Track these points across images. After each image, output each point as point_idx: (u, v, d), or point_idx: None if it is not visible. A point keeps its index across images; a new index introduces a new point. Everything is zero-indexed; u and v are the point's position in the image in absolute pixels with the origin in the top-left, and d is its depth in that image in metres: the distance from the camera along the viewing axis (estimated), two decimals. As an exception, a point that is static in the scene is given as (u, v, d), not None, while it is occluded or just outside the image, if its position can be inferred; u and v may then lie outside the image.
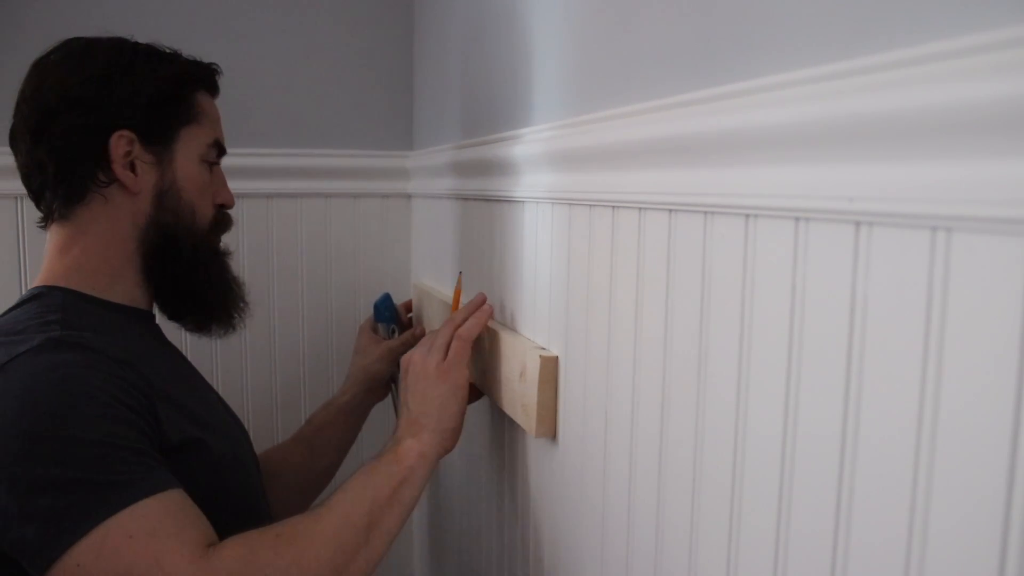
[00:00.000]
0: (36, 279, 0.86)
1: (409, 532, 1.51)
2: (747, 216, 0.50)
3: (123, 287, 0.86)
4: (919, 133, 0.36)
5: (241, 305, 0.97)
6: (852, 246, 0.41)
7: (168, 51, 0.90)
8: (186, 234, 0.88)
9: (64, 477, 0.66)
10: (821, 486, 0.44)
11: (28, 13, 1.17)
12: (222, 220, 0.95)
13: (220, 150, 0.93)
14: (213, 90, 0.94)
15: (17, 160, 0.86)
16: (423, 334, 1.21)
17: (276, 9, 1.32)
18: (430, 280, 1.30)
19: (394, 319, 1.27)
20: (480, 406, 1.03)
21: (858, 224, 0.41)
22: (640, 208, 0.62)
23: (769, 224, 0.48)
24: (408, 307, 1.34)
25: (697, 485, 0.56)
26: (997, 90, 0.32)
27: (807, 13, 0.44)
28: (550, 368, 0.79)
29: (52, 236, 0.86)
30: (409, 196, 1.43)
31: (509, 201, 0.91)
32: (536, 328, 0.85)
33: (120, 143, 0.82)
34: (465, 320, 0.90)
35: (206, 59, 0.92)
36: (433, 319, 1.18)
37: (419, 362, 0.87)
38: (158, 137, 0.86)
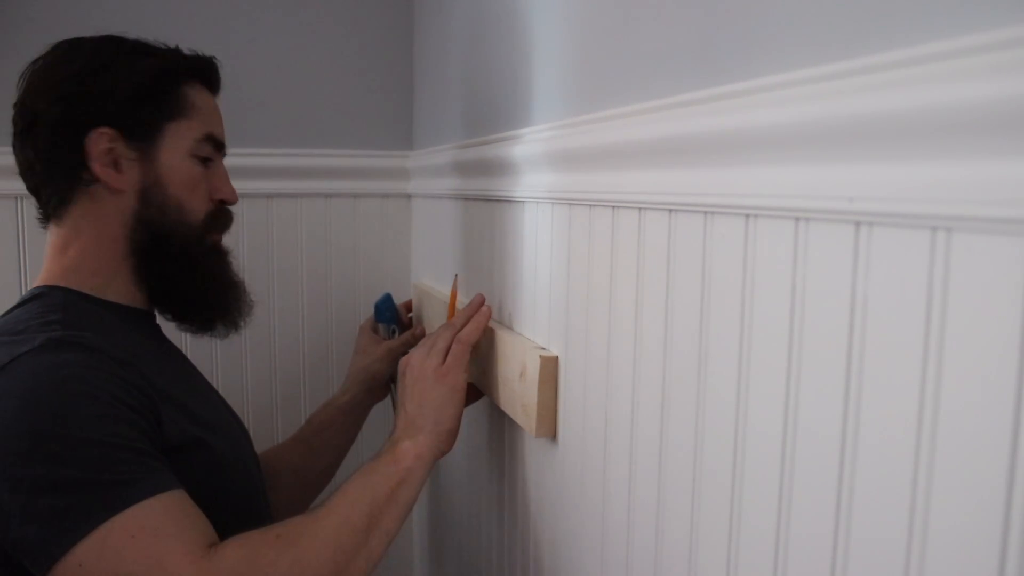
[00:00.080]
0: (37, 279, 0.86)
1: (409, 532, 1.51)
2: (747, 216, 0.50)
3: (119, 287, 0.86)
4: (919, 133, 0.36)
5: (242, 305, 0.95)
6: (852, 246, 0.41)
7: (159, 46, 0.88)
8: (174, 231, 0.86)
9: (66, 477, 0.66)
10: (821, 486, 0.44)
11: (28, 13, 1.17)
12: (219, 217, 0.92)
13: (216, 144, 0.90)
14: (209, 83, 0.92)
15: (16, 161, 0.87)
16: (423, 334, 1.21)
17: (276, 9, 1.32)
18: (430, 280, 1.30)
19: (394, 319, 1.27)
20: (480, 406, 1.03)
21: (858, 224, 0.41)
22: (640, 208, 0.62)
23: (769, 224, 0.48)
24: (408, 307, 1.34)
25: (697, 485, 0.56)
26: (997, 90, 0.32)
27: (807, 13, 0.44)
28: (550, 368, 0.79)
29: (50, 236, 0.87)
30: (409, 196, 1.43)
31: (509, 201, 0.91)
32: (536, 328, 0.85)
33: (100, 140, 0.82)
34: (465, 323, 0.90)
35: None
36: (433, 319, 1.18)
37: (417, 364, 0.87)
38: (141, 133, 0.84)
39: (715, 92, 0.50)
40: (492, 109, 0.97)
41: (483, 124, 1.01)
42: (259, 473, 0.96)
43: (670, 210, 0.58)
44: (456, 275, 1.08)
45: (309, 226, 1.38)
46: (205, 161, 0.89)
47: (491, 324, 0.93)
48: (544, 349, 0.81)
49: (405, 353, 0.94)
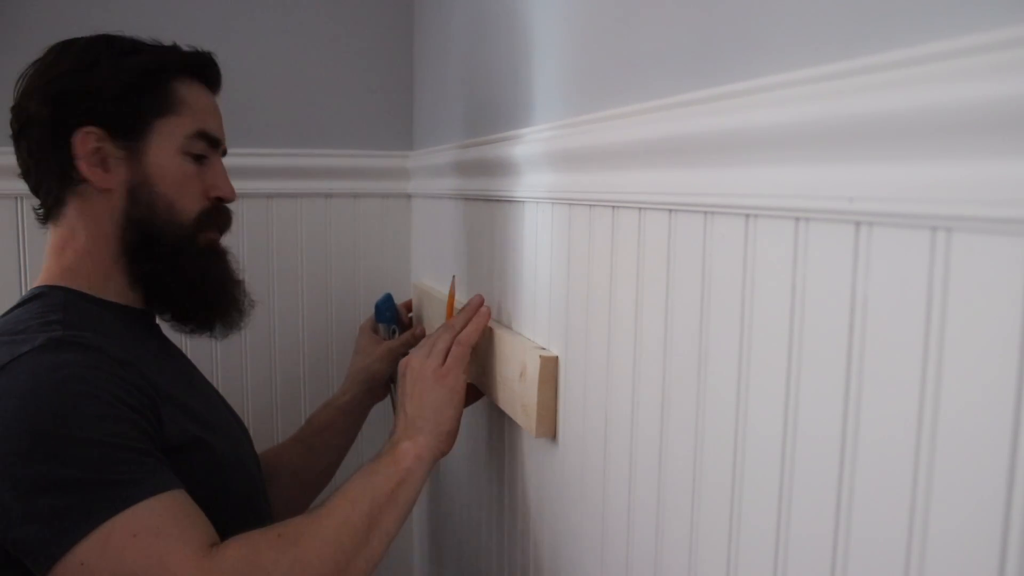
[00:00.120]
0: (37, 279, 0.86)
1: (409, 532, 1.51)
2: (747, 216, 0.50)
3: (116, 287, 0.86)
4: (919, 133, 0.36)
5: (240, 305, 0.94)
6: (852, 246, 0.41)
7: (152, 43, 0.87)
8: (164, 231, 0.85)
9: (67, 477, 0.66)
10: (821, 486, 0.44)
11: (28, 14, 1.17)
12: (214, 214, 0.90)
13: (210, 141, 0.89)
14: (204, 78, 0.90)
15: (18, 163, 0.87)
16: (423, 334, 1.21)
17: (276, 9, 1.32)
18: (430, 280, 1.30)
19: (395, 319, 1.27)
20: (480, 406, 1.03)
21: (858, 224, 0.41)
22: (640, 208, 0.62)
23: (769, 224, 0.48)
24: (408, 307, 1.34)
25: (697, 485, 0.56)
26: (997, 90, 0.32)
27: (807, 13, 0.44)
28: (550, 368, 0.79)
29: (49, 236, 0.87)
30: (409, 196, 1.43)
31: (509, 201, 0.91)
32: (536, 328, 0.85)
33: (87, 140, 0.81)
34: (464, 325, 0.90)
35: None
36: (433, 319, 1.18)
37: (417, 366, 0.87)
38: (128, 131, 0.83)
39: (715, 92, 0.50)
40: (492, 109, 0.97)
41: (483, 124, 1.01)
42: (259, 473, 0.96)
43: (670, 210, 0.58)
44: (454, 276, 1.08)
45: (309, 226, 1.38)
46: (200, 158, 0.88)
47: (491, 324, 0.93)
48: (544, 349, 0.81)
49: (405, 353, 0.94)
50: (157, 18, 1.18)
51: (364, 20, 1.37)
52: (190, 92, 0.87)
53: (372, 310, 1.29)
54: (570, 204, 0.75)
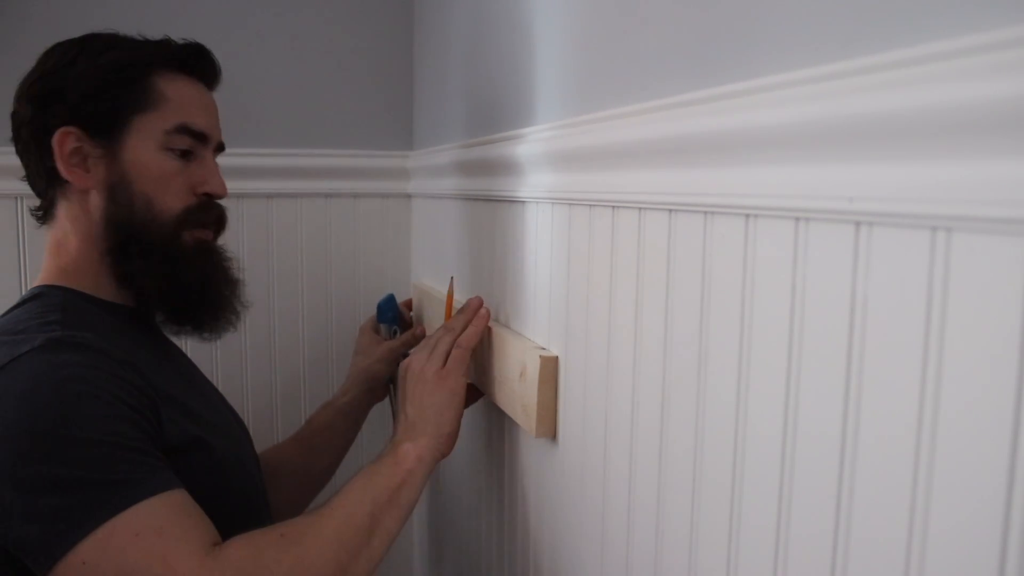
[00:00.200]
0: (36, 279, 0.86)
1: (409, 532, 1.51)
2: (747, 216, 0.50)
3: (108, 287, 0.85)
4: (919, 133, 0.36)
5: (231, 305, 0.91)
6: (852, 246, 0.41)
7: (135, 38, 0.86)
8: (145, 229, 0.83)
9: (68, 476, 0.66)
10: (821, 486, 0.44)
11: (28, 14, 1.17)
12: (201, 211, 0.87)
13: (195, 135, 0.86)
14: (192, 71, 0.88)
15: None
16: (423, 334, 1.21)
17: (276, 9, 1.32)
18: (430, 280, 1.30)
19: (397, 320, 1.27)
20: (480, 406, 1.03)
21: (858, 224, 0.41)
22: (640, 208, 0.62)
23: (769, 224, 0.48)
24: (409, 306, 1.34)
25: (697, 485, 0.56)
26: (997, 90, 0.32)
27: (807, 13, 0.44)
28: (550, 368, 0.79)
29: (46, 236, 0.87)
30: (409, 196, 1.43)
31: (509, 201, 0.91)
32: (536, 328, 0.85)
33: (65, 140, 0.81)
34: (465, 327, 0.90)
35: None
36: (433, 319, 1.18)
37: (418, 368, 0.87)
38: (104, 129, 0.81)
39: (715, 92, 0.50)
40: (491, 109, 0.97)
41: (483, 125, 1.01)
42: (259, 473, 0.96)
43: (670, 210, 0.58)
44: (452, 277, 1.08)
45: (309, 226, 1.38)
46: (186, 154, 0.85)
47: (491, 323, 0.93)
48: (544, 349, 0.81)
49: (406, 354, 0.93)
50: (157, 18, 1.18)
51: (364, 20, 1.37)
52: (171, 86, 0.85)
53: (372, 310, 1.29)
54: (570, 204, 0.75)
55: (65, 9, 1.18)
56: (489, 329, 0.93)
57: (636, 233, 0.63)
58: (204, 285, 0.88)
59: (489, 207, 0.98)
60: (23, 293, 0.86)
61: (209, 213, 0.89)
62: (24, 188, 0.88)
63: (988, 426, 0.34)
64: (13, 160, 0.87)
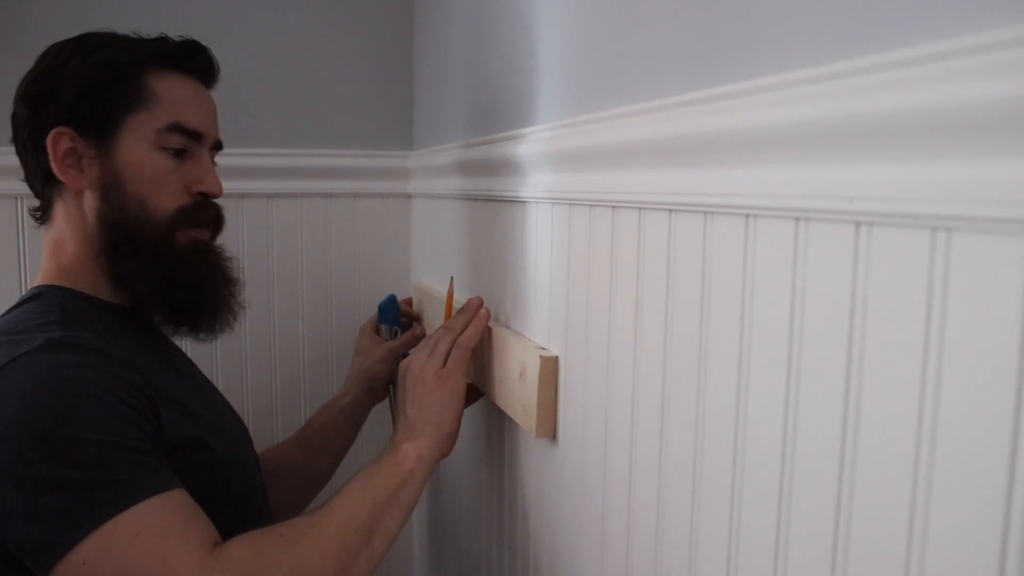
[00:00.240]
0: (35, 279, 0.86)
1: (409, 532, 1.51)
2: (747, 216, 0.50)
3: (107, 287, 0.85)
4: (919, 133, 0.36)
5: (227, 305, 0.91)
6: (852, 246, 0.41)
7: (129, 36, 0.85)
8: (138, 229, 0.82)
9: (68, 477, 0.66)
10: (821, 486, 0.44)
11: (28, 14, 1.17)
12: (197, 211, 0.86)
13: (188, 134, 0.85)
14: (187, 69, 0.87)
15: None
16: (423, 334, 1.21)
17: (276, 9, 1.32)
18: (430, 280, 1.30)
19: (397, 321, 1.26)
20: (480, 406, 1.03)
21: (858, 224, 0.41)
22: (640, 208, 0.62)
23: (769, 224, 0.48)
24: (410, 303, 1.34)
25: (697, 485, 0.56)
26: (997, 90, 0.32)
27: (807, 13, 0.44)
28: (550, 368, 0.79)
29: (45, 237, 0.87)
30: (409, 196, 1.43)
31: (508, 201, 0.91)
32: (536, 328, 0.85)
33: (59, 141, 0.81)
34: (465, 327, 0.90)
35: None
36: (433, 319, 1.18)
37: (418, 368, 0.87)
38: (96, 129, 0.81)
39: (715, 92, 0.50)
40: (491, 110, 0.97)
41: (482, 125, 1.01)
42: (259, 472, 0.96)
43: (670, 210, 0.58)
44: (452, 277, 1.08)
45: (309, 226, 1.38)
46: (180, 153, 0.85)
47: (491, 324, 0.93)
48: (544, 349, 0.81)
49: (405, 354, 0.93)
50: (157, 18, 1.18)
51: (364, 20, 1.37)
52: (164, 84, 0.84)
53: (372, 310, 1.29)
54: (570, 204, 0.75)
55: (66, 9, 1.18)
56: (489, 329, 0.93)
57: (636, 233, 0.63)
58: (199, 285, 0.87)
59: (489, 207, 0.98)
60: (23, 293, 0.86)
61: (205, 212, 0.88)
62: (24, 188, 0.88)
63: (988, 426, 0.34)
64: (13, 160, 0.87)
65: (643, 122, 0.59)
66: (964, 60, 0.33)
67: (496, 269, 0.96)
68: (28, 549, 0.66)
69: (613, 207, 0.66)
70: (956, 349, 0.35)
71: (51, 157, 0.81)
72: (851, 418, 0.42)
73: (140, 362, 0.78)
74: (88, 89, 0.81)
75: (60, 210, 0.85)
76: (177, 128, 0.84)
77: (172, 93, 0.84)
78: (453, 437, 0.86)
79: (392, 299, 1.27)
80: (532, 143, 0.80)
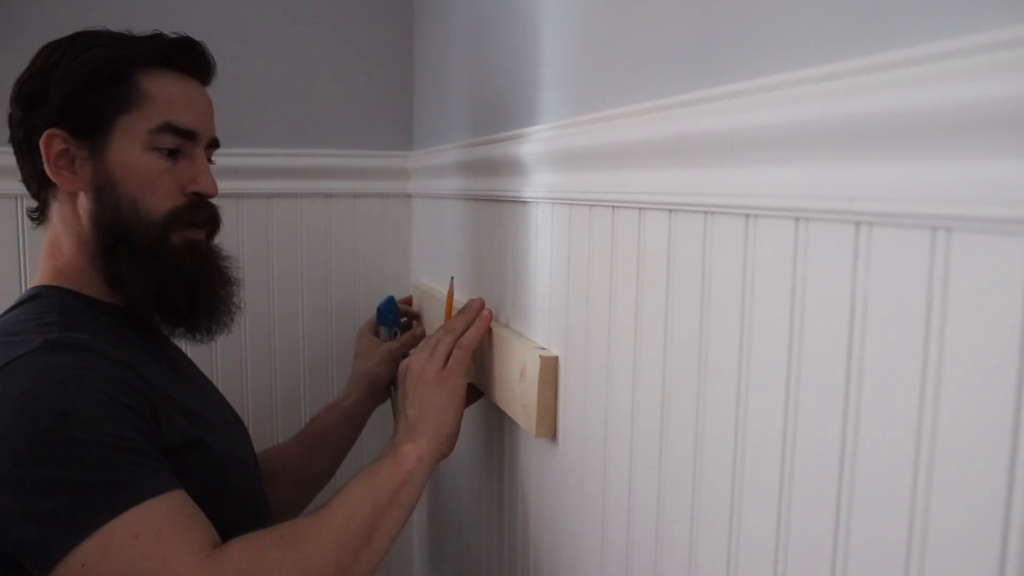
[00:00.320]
0: (33, 279, 0.86)
1: (409, 532, 1.51)
2: (747, 216, 0.50)
3: (102, 288, 0.84)
4: (919, 133, 0.36)
5: (224, 305, 0.90)
6: (852, 246, 0.41)
7: (122, 35, 0.84)
8: (132, 230, 0.81)
9: (67, 478, 0.66)
10: (821, 486, 0.44)
11: (28, 14, 1.17)
12: (191, 211, 0.85)
13: (181, 133, 0.83)
14: (181, 67, 0.85)
15: None
16: (423, 334, 1.21)
17: (276, 9, 1.32)
18: (430, 280, 1.30)
19: (397, 322, 1.26)
20: (480, 406, 1.03)
21: (858, 224, 0.41)
22: (640, 208, 0.62)
23: (769, 224, 0.48)
24: (409, 303, 1.34)
25: (697, 485, 0.56)
26: (997, 90, 0.32)
27: (807, 13, 0.44)
28: (550, 368, 0.79)
29: (43, 237, 0.87)
30: (409, 196, 1.43)
31: (508, 201, 0.91)
32: (536, 328, 0.85)
33: (52, 143, 0.80)
34: (466, 328, 0.90)
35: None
36: (433, 320, 1.18)
37: (418, 369, 0.87)
38: (88, 130, 0.80)
39: (715, 92, 0.50)
40: (490, 110, 0.97)
41: (482, 125, 1.01)
42: (258, 473, 0.96)
43: (670, 210, 0.58)
44: (452, 277, 1.08)
45: (309, 226, 1.38)
46: (173, 153, 0.83)
47: (491, 324, 0.93)
48: (544, 349, 0.81)
49: (405, 355, 0.93)
50: (156, 18, 1.18)
51: (364, 20, 1.37)
52: (155, 83, 0.83)
53: (372, 310, 1.29)
54: (570, 204, 0.75)
55: (66, 8, 1.17)
56: (489, 329, 0.93)
57: (636, 233, 0.63)
58: (195, 286, 0.86)
59: (489, 207, 0.98)
60: (22, 293, 0.86)
61: (200, 213, 0.86)
62: (24, 188, 0.88)
63: (988, 426, 0.34)
64: (13, 160, 0.87)
65: (643, 122, 0.59)
66: (964, 60, 0.33)
67: (496, 269, 0.96)
68: (27, 551, 0.66)
69: (613, 207, 0.66)
70: (956, 349, 0.35)
71: (44, 159, 0.80)
72: (851, 418, 0.42)
73: (139, 362, 0.78)
74: (78, 90, 0.80)
75: (56, 211, 0.85)
76: (169, 128, 0.83)
77: (164, 92, 0.83)
78: (453, 438, 0.86)
79: (391, 301, 1.27)
80: (532, 143, 0.80)
